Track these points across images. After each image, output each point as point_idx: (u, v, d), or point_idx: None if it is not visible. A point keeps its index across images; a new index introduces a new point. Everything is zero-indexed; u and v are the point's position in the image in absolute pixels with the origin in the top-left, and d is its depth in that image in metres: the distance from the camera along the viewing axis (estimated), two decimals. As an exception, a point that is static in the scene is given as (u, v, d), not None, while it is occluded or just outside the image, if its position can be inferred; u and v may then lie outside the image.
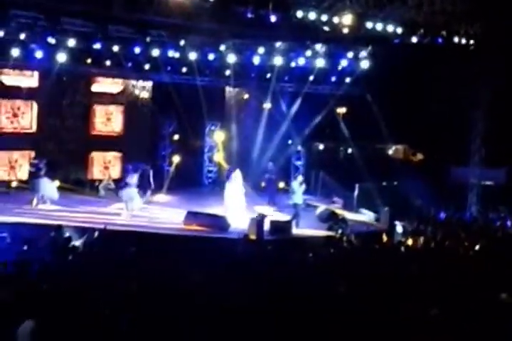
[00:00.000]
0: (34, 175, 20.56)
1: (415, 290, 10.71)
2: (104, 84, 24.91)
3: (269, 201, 23.42)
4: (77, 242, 14.31)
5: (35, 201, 20.20)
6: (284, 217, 20.92)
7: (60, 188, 21.38)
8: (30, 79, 23.07)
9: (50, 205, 20.29)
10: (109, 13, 20.27)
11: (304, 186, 21.46)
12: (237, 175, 21.26)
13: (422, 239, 17.94)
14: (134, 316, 8.49)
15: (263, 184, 24.81)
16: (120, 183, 21.12)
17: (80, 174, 24.66)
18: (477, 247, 16.74)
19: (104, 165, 25.12)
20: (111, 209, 20.77)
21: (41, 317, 7.56)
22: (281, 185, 25.37)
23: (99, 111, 25.08)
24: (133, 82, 25.46)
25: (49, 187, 20.61)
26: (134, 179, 20.00)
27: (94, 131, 25.04)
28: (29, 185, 20.84)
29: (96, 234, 15.16)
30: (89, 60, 21.95)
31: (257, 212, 20.01)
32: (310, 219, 21.51)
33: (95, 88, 24.76)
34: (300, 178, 21.90)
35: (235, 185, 21.08)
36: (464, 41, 24.20)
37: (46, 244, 13.86)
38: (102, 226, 16.59)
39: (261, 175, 24.92)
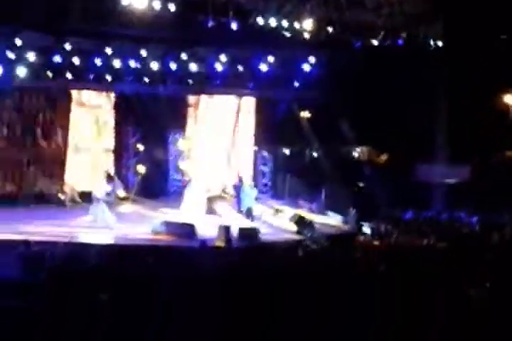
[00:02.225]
0: None
1: (384, 289, 10.79)
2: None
3: (239, 208, 23.40)
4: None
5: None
6: (251, 223, 21.00)
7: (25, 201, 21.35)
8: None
9: None
10: (68, 25, 20.23)
11: (255, 190, 21.58)
12: (197, 184, 21.38)
13: (388, 239, 18.09)
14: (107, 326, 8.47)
15: (230, 191, 24.84)
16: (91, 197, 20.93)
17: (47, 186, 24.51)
18: (443, 245, 16.92)
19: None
20: (78, 221, 20.66)
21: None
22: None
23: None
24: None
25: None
26: (104, 192, 19.91)
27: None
28: None
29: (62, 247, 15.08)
30: (49, 74, 21.87)
31: (225, 219, 20.09)
32: (278, 223, 21.63)
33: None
34: (251, 182, 21.97)
35: (195, 193, 21.19)
36: (423, 42, 24.43)
37: (13, 260, 13.65)
38: (67, 240, 16.52)
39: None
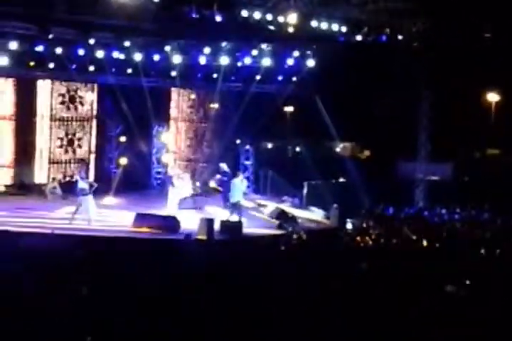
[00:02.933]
0: None
1: (364, 287, 10.79)
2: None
3: (224, 203, 23.19)
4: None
5: None
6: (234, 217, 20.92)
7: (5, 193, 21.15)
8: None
9: None
10: (52, 15, 20.01)
11: (245, 183, 21.47)
12: (182, 178, 21.28)
13: (370, 236, 18.11)
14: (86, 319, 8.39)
15: (213, 184, 24.67)
16: (74, 189, 20.71)
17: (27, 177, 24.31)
18: (424, 242, 16.99)
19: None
20: (59, 213, 20.51)
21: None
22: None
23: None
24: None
25: None
26: (86, 185, 19.74)
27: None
28: None
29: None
30: (32, 63, 21.67)
31: (208, 213, 20.00)
32: (260, 218, 21.59)
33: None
34: (241, 176, 21.80)
35: (179, 188, 21.09)
36: (407, 39, 24.44)
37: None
38: (49, 231, 16.38)
39: (211, 175, 24.85)
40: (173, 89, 27.19)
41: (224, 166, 23.94)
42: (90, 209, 19.37)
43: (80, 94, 25.20)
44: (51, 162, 24.75)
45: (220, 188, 22.62)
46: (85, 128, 25.46)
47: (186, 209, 21.51)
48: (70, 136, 25.13)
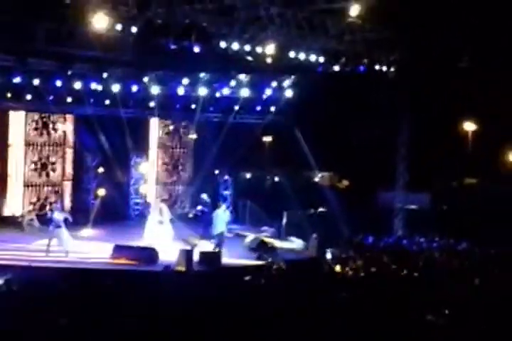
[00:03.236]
0: None
1: (345, 316, 10.74)
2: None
3: (203, 233, 23.05)
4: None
5: None
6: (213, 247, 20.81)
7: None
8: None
9: None
10: (30, 47, 19.99)
11: (228, 213, 21.42)
12: (159, 207, 21.22)
13: (350, 265, 18.05)
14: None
15: (191, 215, 24.64)
16: (49, 221, 20.53)
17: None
18: (404, 272, 16.95)
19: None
20: (37, 245, 20.27)
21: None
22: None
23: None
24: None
25: None
26: (61, 216, 19.61)
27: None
28: None
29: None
30: (9, 94, 21.64)
31: (189, 242, 19.85)
32: (239, 248, 21.48)
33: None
34: (223, 206, 21.75)
35: (156, 217, 21.01)
36: (384, 69, 24.63)
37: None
38: (26, 264, 16.21)
39: (191, 205, 24.82)
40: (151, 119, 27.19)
41: (204, 196, 23.96)
42: (65, 241, 19.23)
43: (52, 120, 25.13)
44: (25, 185, 24.67)
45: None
46: (58, 153, 25.34)
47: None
48: (43, 160, 25.05)
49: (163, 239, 20.86)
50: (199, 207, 24.19)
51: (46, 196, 25.06)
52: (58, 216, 19.49)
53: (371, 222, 23.14)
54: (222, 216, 20.98)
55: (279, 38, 22.36)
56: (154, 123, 27.53)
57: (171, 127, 27.65)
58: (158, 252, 19.12)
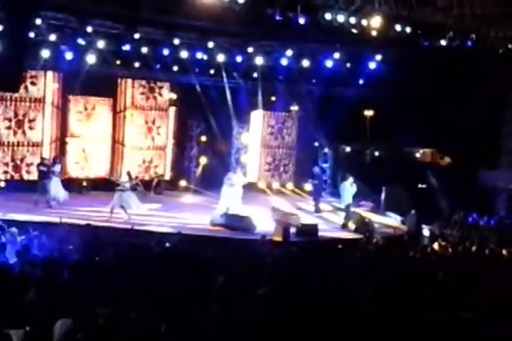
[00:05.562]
0: (45, 176, 20.56)
1: (440, 296, 10.59)
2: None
3: (315, 206, 23.38)
4: None
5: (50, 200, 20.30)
6: (312, 220, 20.97)
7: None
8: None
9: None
10: (138, 15, 20.41)
11: (355, 187, 21.44)
12: (237, 177, 21.40)
13: (448, 243, 17.82)
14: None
15: (307, 187, 25.14)
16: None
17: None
18: (504, 252, 16.62)
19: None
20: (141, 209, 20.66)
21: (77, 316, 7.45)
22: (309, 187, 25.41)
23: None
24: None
25: (59, 186, 20.68)
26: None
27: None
28: (38, 186, 20.53)
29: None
30: (118, 62, 22.18)
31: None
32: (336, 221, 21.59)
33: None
34: (350, 179, 21.74)
35: (234, 186, 21.14)
36: (493, 44, 23.98)
37: (78, 243, 13.79)
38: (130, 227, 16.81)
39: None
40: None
41: (316, 169, 24.30)
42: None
43: (159, 86, 25.46)
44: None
45: None
46: (163, 117, 25.74)
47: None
48: (149, 124, 25.42)
49: (234, 202, 20.91)
50: (309, 180, 24.55)
51: (151, 158, 25.47)
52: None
53: (472, 201, 22.71)
54: (348, 188, 21.19)
55: (385, 10, 22.07)
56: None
57: (273, 98, 27.57)
58: (254, 221, 19.35)
